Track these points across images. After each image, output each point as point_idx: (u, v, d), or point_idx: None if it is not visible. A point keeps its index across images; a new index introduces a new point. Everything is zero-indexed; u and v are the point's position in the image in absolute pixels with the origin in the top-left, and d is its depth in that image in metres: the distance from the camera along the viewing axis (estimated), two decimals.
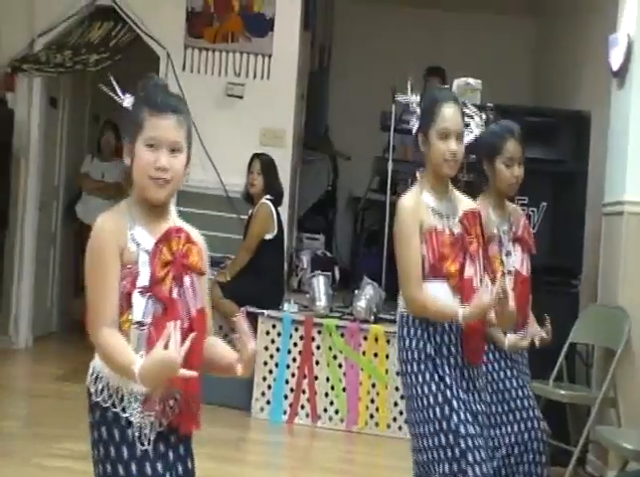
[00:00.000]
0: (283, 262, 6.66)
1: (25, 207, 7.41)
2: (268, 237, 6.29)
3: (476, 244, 3.20)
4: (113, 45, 7.38)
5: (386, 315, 6.11)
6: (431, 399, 3.13)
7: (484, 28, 9.21)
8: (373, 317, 6.00)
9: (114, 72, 7.63)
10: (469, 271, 3.17)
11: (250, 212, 6.40)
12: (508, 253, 3.77)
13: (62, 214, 8.29)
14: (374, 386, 5.88)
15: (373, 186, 7.99)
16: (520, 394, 3.65)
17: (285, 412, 5.94)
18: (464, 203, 3.31)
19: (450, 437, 3.08)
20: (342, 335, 5.91)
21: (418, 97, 3.30)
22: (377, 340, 5.87)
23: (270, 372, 5.97)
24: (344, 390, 5.89)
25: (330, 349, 5.91)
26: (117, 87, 2.40)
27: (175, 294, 2.27)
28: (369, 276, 6.26)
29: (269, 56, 7.22)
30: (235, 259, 6.43)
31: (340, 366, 5.91)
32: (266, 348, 5.97)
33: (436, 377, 3.15)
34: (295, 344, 5.97)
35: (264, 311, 6.02)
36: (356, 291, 6.13)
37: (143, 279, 2.26)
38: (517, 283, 3.74)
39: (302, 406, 5.94)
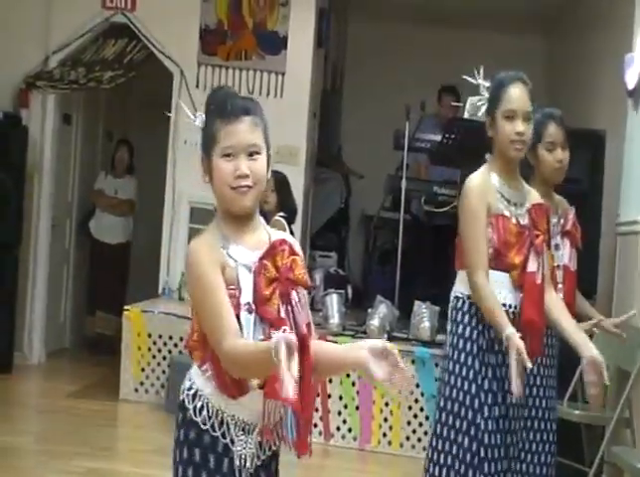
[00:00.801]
0: None
1: (38, 223, 7.44)
2: None
3: (542, 239, 3.15)
4: (127, 62, 7.43)
5: (399, 333, 6.10)
6: (467, 400, 3.13)
7: (497, 46, 9.21)
8: (386, 335, 5.99)
9: (128, 88, 7.71)
10: (532, 266, 3.11)
11: None
12: (557, 247, 3.71)
13: (75, 230, 8.32)
14: (387, 404, 5.86)
15: (386, 204, 8.00)
16: (544, 404, 3.60)
17: None
18: (532, 194, 3.28)
19: (474, 444, 3.08)
20: None
21: (487, 81, 3.30)
22: None
23: None
24: (357, 408, 5.87)
25: None
26: (187, 111, 2.30)
27: (283, 313, 2.13)
28: (381, 295, 6.26)
29: (283, 74, 7.25)
30: None
31: (353, 384, 5.89)
32: None
33: (479, 378, 3.12)
34: None
35: None
36: (369, 310, 6.12)
37: (246, 296, 2.14)
38: (566, 278, 3.68)
39: (315, 425, 5.92)
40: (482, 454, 3.07)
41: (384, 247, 8.49)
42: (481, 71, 3.34)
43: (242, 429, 2.18)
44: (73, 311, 8.34)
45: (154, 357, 6.38)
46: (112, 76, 7.33)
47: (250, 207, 2.21)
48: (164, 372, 6.35)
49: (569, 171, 5.53)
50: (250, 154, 2.20)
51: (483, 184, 3.16)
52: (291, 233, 6.32)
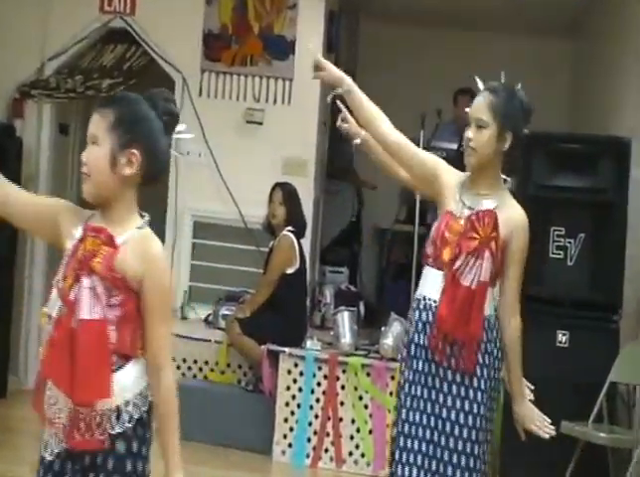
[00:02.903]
0: (306, 297, 6.75)
1: (34, 239, 7.54)
2: (290, 270, 6.39)
3: (477, 244, 3.35)
4: (127, 69, 7.52)
5: None
6: (398, 392, 3.52)
7: (518, 49, 9.30)
8: (400, 355, 6.06)
9: None
10: (457, 264, 3.35)
11: (271, 244, 6.50)
12: None
13: None
14: None
15: (400, 217, 8.09)
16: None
17: (308, 456, 6.03)
18: (509, 213, 3.42)
19: (394, 446, 3.44)
20: (368, 374, 5.99)
21: None
22: None
23: (292, 413, 6.06)
24: (370, 432, 5.96)
25: (355, 389, 5.99)
26: None
27: (72, 296, 2.38)
28: (396, 312, 6.34)
29: (290, 80, 7.34)
30: (254, 294, 6.54)
31: (366, 407, 5.97)
32: (288, 388, 6.07)
33: (406, 371, 3.47)
34: (319, 384, 6.06)
35: (286, 349, 6.11)
36: (382, 328, 6.21)
37: (59, 274, 2.44)
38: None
39: (326, 450, 6.02)
40: (396, 457, 3.40)
41: (398, 262, 8.57)
42: (502, 76, 3.51)
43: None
44: None
45: None
46: (111, 83, 7.42)
47: (87, 195, 2.47)
48: None
49: (594, 181, 5.66)
50: (92, 144, 2.46)
51: (449, 175, 3.50)
52: (300, 247, 6.43)
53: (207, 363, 6.55)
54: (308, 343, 6.25)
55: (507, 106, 3.41)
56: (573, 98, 9.14)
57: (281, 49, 7.35)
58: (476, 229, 3.35)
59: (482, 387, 3.39)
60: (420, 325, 3.44)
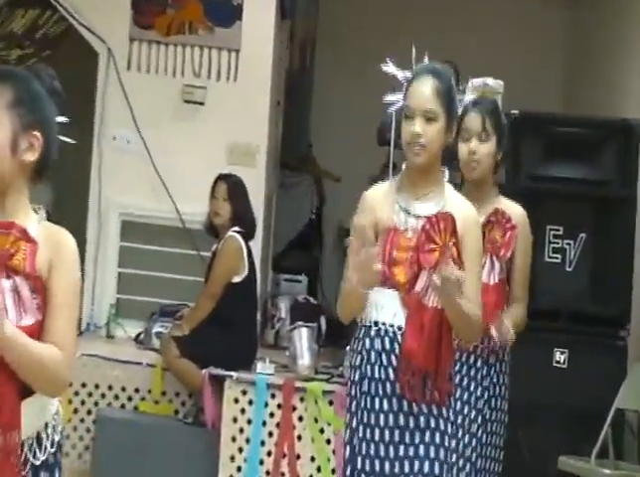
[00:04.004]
0: (256, 311, 6.72)
1: None
2: (237, 279, 6.35)
3: (437, 256, 3.28)
4: (40, 37, 7.49)
5: None
6: (346, 435, 3.47)
7: (508, 18, 9.34)
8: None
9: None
10: (419, 285, 3.31)
11: (214, 248, 6.46)
12: None
13: None
14: None
15: None
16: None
17: None
18: (457, 208, 3.39)
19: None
20: (330, 402, 5.96)
21: (410, 73, 3.49)
22: None
23: (240, 450, 6.02)
24: (333, 472, 5.92)
25: (316, 420, 5.96)
26: None
27: None
28: None
29: (237, 51, 7.32)
30: (194, 308, 6.49)
31: (328, 441, 5.94)
32: (235, 420, 6.02)
33: (359, 412, 3.41)
34: (272, 414, 6.01)
35: (232, 373, 6.06)
36: (348, 347, 6.17)
37: None
38: (483, 295, 3.68)
39: None
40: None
41: None
42: (413, 50, 3.53)
43: None
44: None
45: (76, 411, 6.40)
46: (21, 54, 7.39)
47: None
48: (89, 430, 6.39)
49: (596, 171, 5.68)
50: None
51: (373, 197, 3.47)
52: (249, 252, 6.39)
53: (137, 390, 6.49)
54: (259, 366, 6.21)
55: (452, 92, 3.42)
56: (571, 74, 9.18)
57: (226, 14, 7.32)
58: (432, 238, 3.30)
59: (451, 417, 3.40)
60: (374, 355, 3.39)
